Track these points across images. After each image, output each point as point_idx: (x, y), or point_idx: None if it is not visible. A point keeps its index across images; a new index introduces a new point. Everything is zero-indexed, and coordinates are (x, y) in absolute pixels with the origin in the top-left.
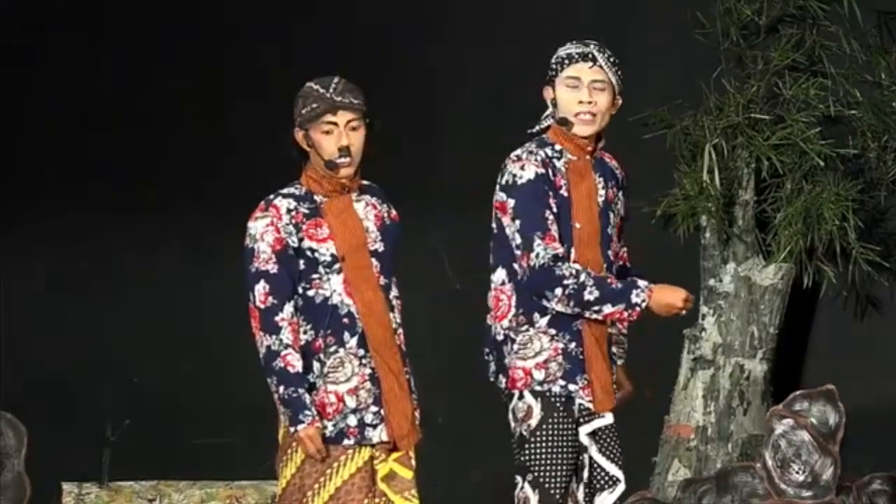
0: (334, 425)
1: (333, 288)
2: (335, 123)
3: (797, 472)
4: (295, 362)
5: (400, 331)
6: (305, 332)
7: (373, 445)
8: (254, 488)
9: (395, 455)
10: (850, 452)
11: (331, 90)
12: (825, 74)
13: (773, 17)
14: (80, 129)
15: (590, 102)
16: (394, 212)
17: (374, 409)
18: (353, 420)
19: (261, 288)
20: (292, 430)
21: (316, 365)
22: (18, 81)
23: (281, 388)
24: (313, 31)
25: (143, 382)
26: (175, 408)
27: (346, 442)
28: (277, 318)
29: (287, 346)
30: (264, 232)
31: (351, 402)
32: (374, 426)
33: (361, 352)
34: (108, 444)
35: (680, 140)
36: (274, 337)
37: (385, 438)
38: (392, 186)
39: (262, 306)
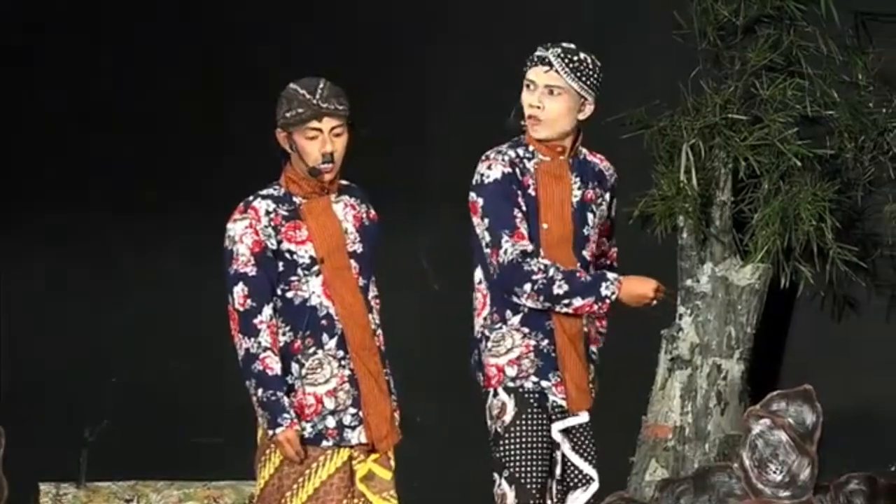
0: (313, 427)
1: (312, 290)
2: (320, 130)
3: (774, 472)
4: (273, 365)
5: (379, 332)
6: (284, 334)
7: (352, 446)
8: (231, 488)
9: (373, 455)
10: (828, 452)
11: (317, 96)
12: (802, 75)
13: (751, 17)
14: (80, 129)
15: (538, 107)
16: (373, 212)
17: (352, 410)
18: (331, 422)
19: (239, 290)
20: (270, 433)
21: (295, 366)
22: (18, 81)
23: (259, 391)
24: (313, 31)
25: (142, 383)
26: (174, 408)
27: (324, 443)
28: (256, 321)
29: (266, 349)
30: (243, 234)
31: (329, 404)
32: (353, 428)
33: (340, 353)
34: (85, 445)
35: (657, 140)
36: (252, 339)
37: (364, 440)
38: (386, 187)
39: (241, 309)
